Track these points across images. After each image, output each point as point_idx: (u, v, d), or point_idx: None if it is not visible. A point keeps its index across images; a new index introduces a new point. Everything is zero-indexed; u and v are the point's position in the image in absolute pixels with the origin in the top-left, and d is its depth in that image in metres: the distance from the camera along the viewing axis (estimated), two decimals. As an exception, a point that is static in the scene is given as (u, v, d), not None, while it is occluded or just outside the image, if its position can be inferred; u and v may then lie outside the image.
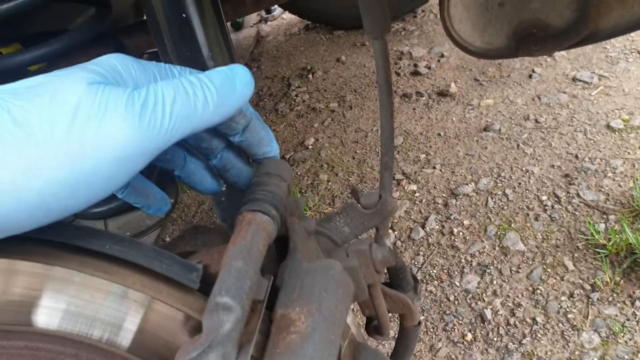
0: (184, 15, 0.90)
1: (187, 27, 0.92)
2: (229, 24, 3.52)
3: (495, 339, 1.58)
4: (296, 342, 0.50)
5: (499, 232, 1.88)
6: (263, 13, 4.06)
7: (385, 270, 0.86)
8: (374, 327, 0.77)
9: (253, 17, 4.10)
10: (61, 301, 0.51)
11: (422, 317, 1.68)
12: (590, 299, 1.62)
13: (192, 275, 0.51)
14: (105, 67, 0.46)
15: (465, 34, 1.24)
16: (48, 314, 0.52)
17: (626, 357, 1.46)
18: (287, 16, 3.98)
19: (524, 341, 1.56)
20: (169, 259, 0.51)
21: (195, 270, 0.52)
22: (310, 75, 3.16)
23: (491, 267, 1.77)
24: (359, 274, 0.66)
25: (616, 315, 1.57)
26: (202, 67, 0.94)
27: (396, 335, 0.86)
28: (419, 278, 1.80)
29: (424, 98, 2.71)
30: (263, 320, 0.52)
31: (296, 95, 3.00)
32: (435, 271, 1.81)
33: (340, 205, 1.69)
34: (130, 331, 0.52)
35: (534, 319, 1.60)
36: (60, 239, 0.49)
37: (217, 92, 0.48)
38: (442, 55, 3.01)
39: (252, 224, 0.54)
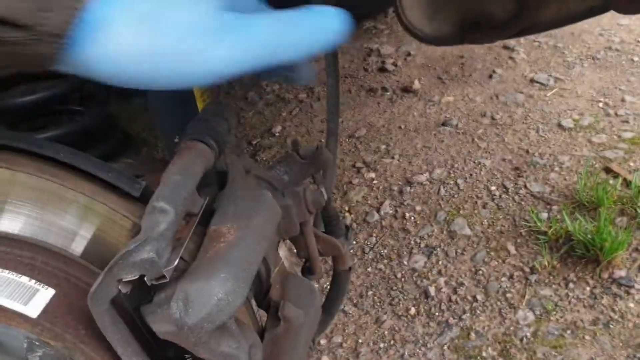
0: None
1: None
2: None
3: (437, 313, 1.68)
4: (224, 249, 0.58)
5: (448, 218, 1.98)
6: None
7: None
8: (307, 267, 0.85)
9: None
10: (24, 206, 0.58)
11: (370, 292, 1.77)
12: (529, 280, 1.72)
13: (135, 185, 0.58)
14: None
15: (415, 20, 1.33)
16: (10, 218, 0.58)
17: (556, 332, 1.57)
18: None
19: (463, 317, 1.65)
20: (115, 171, 0.58)
21: (138, 183, 0.59)
22: (280, 67, 3.23)
23: (438, 249, 1.87)
24: (292, 211, 0.75)
25: (551, 296, 1.67)
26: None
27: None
28: (358, 247, 1.88)
29: (388, 93, 2.80)
30: (198, 235, 0.60)
31: (266, 85, 3.07)
32: (385, 251, 1.90)
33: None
34: (84, 237, 0.59)
35: (474, 297, 1.70)
36: (22, 146, 0.56)
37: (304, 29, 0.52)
38: (409, 54, 3.11)
39: (192, 149, 0.62)
